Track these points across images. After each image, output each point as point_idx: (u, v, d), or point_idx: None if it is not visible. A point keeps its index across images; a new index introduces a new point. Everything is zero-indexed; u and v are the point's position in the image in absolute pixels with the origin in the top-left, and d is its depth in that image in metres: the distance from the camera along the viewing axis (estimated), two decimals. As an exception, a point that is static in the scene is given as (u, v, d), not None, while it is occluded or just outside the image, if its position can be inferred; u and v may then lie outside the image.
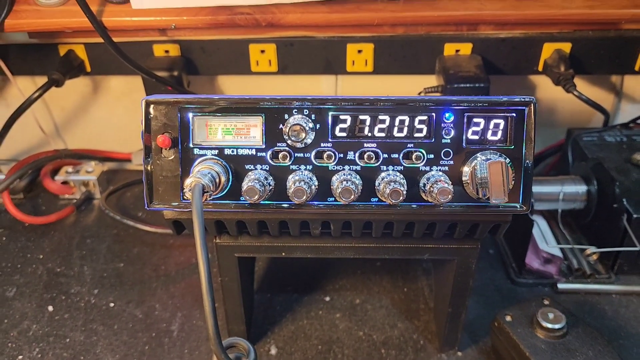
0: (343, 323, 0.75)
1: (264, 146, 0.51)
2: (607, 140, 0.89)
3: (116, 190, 1.01)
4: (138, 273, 0.83)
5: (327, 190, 0.52)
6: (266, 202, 0.52)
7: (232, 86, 0.99)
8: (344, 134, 0.51)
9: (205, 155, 0.52)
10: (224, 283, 0.66)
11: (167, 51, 0.91)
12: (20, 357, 0.70)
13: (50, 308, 0.77)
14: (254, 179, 0.50)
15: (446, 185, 0.49)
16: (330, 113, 0.51)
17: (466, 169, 0.50)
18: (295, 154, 0.51)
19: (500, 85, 0.93)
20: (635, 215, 0.75)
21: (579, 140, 0.89)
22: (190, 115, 0.51)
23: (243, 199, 0.51)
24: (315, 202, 0.52)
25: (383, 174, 0.51)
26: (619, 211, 0.77)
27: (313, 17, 0.79)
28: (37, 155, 1.02)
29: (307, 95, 0.51)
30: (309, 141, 0.51)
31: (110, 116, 1.04)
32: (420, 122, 0.51)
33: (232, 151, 0.51)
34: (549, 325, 0.64)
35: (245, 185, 0.50)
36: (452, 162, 0.51)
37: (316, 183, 0.51)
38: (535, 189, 0.82)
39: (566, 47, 0.89)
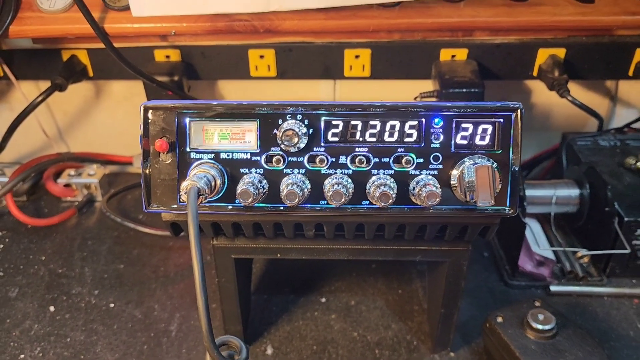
0: (338, 324, 0.76)
1: (258, 150, 0.53)
2: (601, 144, 0.91)
3: (117, 193, 1.03)
4: (138, 274, 0.85)
5: (319, 194, 0.53)
6: (261, 204, 0.54)
7: (232, 91, 1.00)
8: (336, 139, 0.53)
9: (201, 159, 0.53)
10: (221, 284, 0.67)
11: (167, 56, 0.93)
12: (22, 355, 0.72)
13: (52, 308, 0.79)
14: (249, 182, 0.51)
15: (434, 188, 0.50)
16: (323, 118, 0.52)
17: (454, 173, 0.52)
18: (289, 158, 0.53)
19: (495, 90, 0.95)
20: (626, 219, 0.76)
21: (573, 145, 0.91)
22: (187, 120, 0.53)
23: (238, 201, 0.52)
24: (309, 205, 0.54)
25: (374, 178, 0.52)
26: (610, 214, 0.78)
27: (310, 23, 0.80)
28: (40, 159, 1.04)
29: (301, 101, 0.52)
30: (302, 145, 0.52)
31: (112, 120, 1.06)
32: (411, 127, 0.52)
33: (228, 155, 0.53)
34: (539, 327, 0.65)
35: (239, 188, 0.51)
36: (441, 166, 0.52)
37: (309, 186, 0.53)
38: (529, 192, 0.83)
39: (560, 52, 0.90)
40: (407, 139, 0.52)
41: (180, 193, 0.52)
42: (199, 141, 0.53)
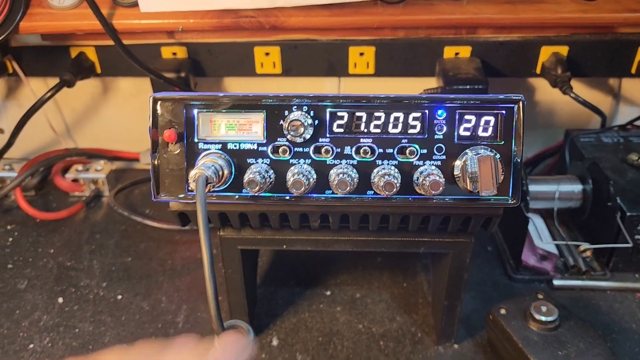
0: (343, 316, 0.77)
1: (265, 141, 0.54)
2: (603, 141, 0.91)
3: (124, 188, 1.04)
4: (145, 267, 0.86)
5: (325, 184, 0.54)
6: (267, 194, 0.55)
7: (238, 87, 1.01)
8: (342, 130, 0.53)
9: (209, 149, 0.54)
10: (227, 275, 0.68)
11: (174, 53, 0.94)
12: (32, 345, 0.73)
13: (60, 300, 0.80)
14: (255, 172, 0.52)
15: (438, 178, 0.51)
16: (328, 110, 0.53)
17: (458, 163, 0.53)
18: (295, 149, 0.54)
19: (499, 88, 0.95)
20: (628, 213, 0.77)
21: (577, 141, 0.91)
22: (195, 111, 0.54)
23: (245, 191, 0.53)
24: (314, 195, 0.55)
25: (378, 168, 0.53)
26: (613, 209, 0.78)
27: (315, 20, 0.81)
28: (48, 154, 1.06)
29: (307, 93, 0.53)
30: (307, 136, 0.53)
31: (119, 116, 1.07)
32: (414, 118, 0.53)
33: (235, 146, 0.54)
34: (542, 318, 0.66)
35: (247, 176, 0.52)
36: (444, 157, 0.53)
37: (314, 176, 0.54)
38: (532, 187, 0.84)
39: (563, 50, 0.91)
40: (411, 131, 0.53)
41: (189, 181, 0.53)
42: (207, 132, 0.54)
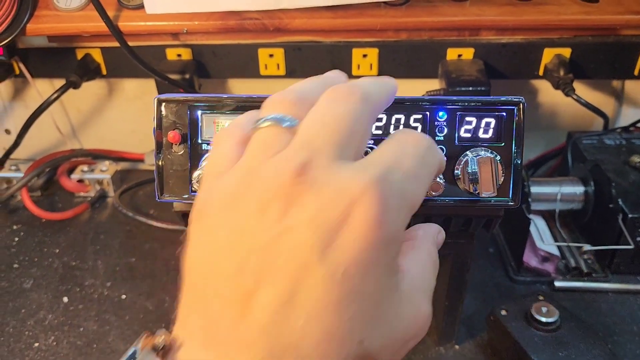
0: (345, 316, 0.77)
1: (267, 142, 0.54)
2: (606, 143, 0.91)
3: (129, 189, 1.05)
4: (149, 267, 0.87)
5: (326, 185, 0.54)
6: (269, 195, 0.55)
7: (242, 89, 1.02)
8: (343, 132, 0.54)
9: (212, 150, 0.55)
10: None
11: (179, 55, 0.95)
12: (37, 344, 0.74)
13: (65, 299, 0.81)
14: (258, 173, 0.53)
15: (438, 179, 0.51)
16: (330, 111, 0.54)
17: (458, 165, 0.53)
18: (297, 150, 0.54)
19: (501, 90, 0.96)
20: (630, 215, 0.77)
21: (579, 143, 0.92)
22: (199, 112, 0.54)
23: (247, 192, 0.54)
24: (316, 196, 0.55)
25: (379, 169, 0.54)
26: (615, 211, 0.79)
27: (318, 22, 0.82)
28: (54, 155, 1.07)
29: (309, 94, 0.54)
30: (310, 138, 0.54)
31: (124, 118, 1.08)
32: (415, 120, 0.53)
33: (238, 147, 0.54)
34: (543, 319, 0.66)
35: (249, 178, 0.53)
36: (444, 159, 0.53)
37: (316, 177, 0.54)
38: (534, 189, 0.84)
39: (566, 52, 0.91)
40: (412, 132, 0.54)
41: (192, 182, 0.54)
42: (211, 133, 0.55)
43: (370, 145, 0.54)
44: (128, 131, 1.09)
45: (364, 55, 0.93)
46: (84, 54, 0.97)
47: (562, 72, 0.89)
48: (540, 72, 0.93)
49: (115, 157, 1.10)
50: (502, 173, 0.53)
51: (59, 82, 0.97)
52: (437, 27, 0.84)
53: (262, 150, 0.33)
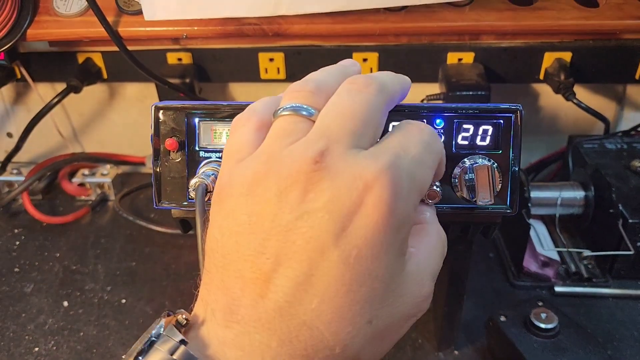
0: (344, 322, 0.77)
1: (265, 150, 0.54)
2: (607, 147, 0.91)
3: (130, 192, 1.05)
4: (149, 271, 0.87)
5: (324, 192, 0.54)
6: (267, 202, 0.55)
7: (242, 93, 1.02)
8: (341, 139, 0.54)
9: (210, 157, 0.55)
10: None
11: (179, 59, 0.95)
12: (37, 349, 0.74)
13: (66, 303, 0.81)
14: (255, 180, 0.53)
15: (435, 187, 0.51)
16: (328, 119, 0.54)
17: (455, 173, 0.53)
18: (295, 157, 0.54)
19: (502, 94, 0.96)
20: (631, 220, 0.77)
21: (580, 147, 0.91)
22: (197, 120, 0.54)
23: (245, 199, 0.54)
24: (313, 203, 0.55)
25: (377, 177, 0.54)
26: (615, 216, 0.78)
27: (318, 27, 0.82)
28: (55, 158, 1.07)
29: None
30: (307, 145, 0.54)
31: (125, 121, 1.08)
32: (413, 127, 0.53)
33: (235, 154, 0.55)
34: (542, 325, 0.66)
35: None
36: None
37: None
38: (534, 194, 0.84)
39: (567, 56, 0.91)
40: (409, 139, 0.54)
41: (189, 190, 0.54)
42: (208, 140, 0.55)
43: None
44: (129, 134, 1.10)
45: (365, 60, 0.93)
46: (85, 58, 0.97)
47: (562, 76, 0.89)
48: (541, 76, 0.93)
49: (116, 160, 1.10)
50: (500, 180, 0.53)
51: (61, 86, 0.97)
52: (436, 32, 0.84)
53: (282, 137, 0.35)
